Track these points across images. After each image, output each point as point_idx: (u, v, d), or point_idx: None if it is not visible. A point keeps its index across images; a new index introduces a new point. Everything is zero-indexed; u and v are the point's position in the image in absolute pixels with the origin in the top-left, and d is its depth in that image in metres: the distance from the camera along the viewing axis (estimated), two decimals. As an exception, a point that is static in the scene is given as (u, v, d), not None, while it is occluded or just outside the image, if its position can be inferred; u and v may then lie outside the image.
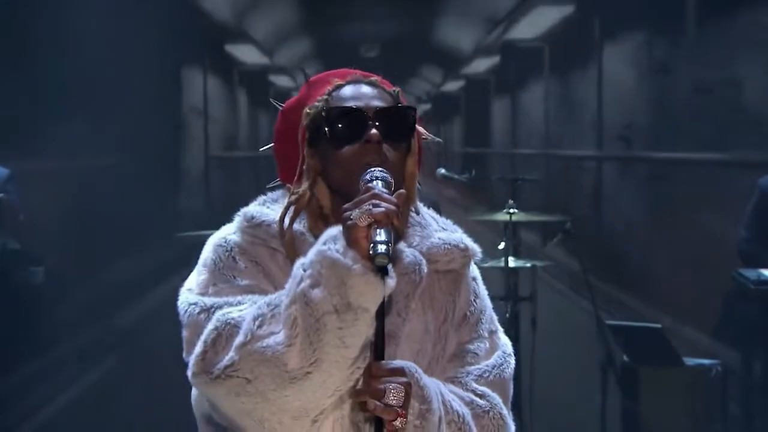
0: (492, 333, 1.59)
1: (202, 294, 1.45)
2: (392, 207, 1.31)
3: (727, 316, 4.85)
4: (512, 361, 1.59)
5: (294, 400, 1.34)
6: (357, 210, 1.31)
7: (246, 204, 1.57)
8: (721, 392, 4.14)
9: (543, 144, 13.57)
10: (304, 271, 1.34)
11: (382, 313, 1.34)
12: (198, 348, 1.38)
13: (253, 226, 1.49)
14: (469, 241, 1.59)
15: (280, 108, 1.60)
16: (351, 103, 1.49)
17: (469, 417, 1.46)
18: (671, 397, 4.11)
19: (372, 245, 1.27)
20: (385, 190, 1.35)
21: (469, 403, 1.47)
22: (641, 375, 4.15)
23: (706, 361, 4.36)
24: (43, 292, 3.67)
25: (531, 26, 12.30)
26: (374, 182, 1.36)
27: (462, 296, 1.56)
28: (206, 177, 12.00)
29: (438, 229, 1.58)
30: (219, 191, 13.00)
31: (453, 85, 20.33)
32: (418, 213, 1.59)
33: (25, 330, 4.77)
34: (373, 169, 1.40)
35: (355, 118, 1.47)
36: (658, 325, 4.47)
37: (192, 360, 1.38)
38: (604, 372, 4.19)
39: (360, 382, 1.37)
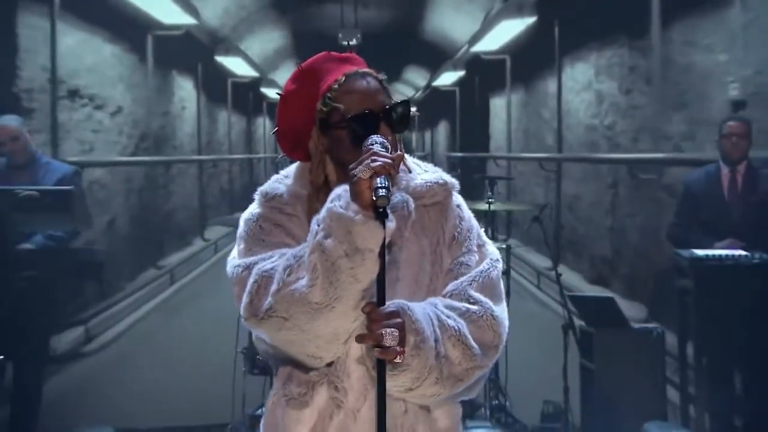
0: (480, 246, 1.77)
1: (243, 259, 1.69)
2: (388, 161, 1.52)
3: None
4: (499, 265, 1.77)
5: (325, 328, 1.56)
6: (360, 166, 1.51)
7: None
8: (660, 350, 4.42)
9: (590, 145, 8.83)
10: (318, 225, 1.55)
11: (383, 255, 1.53)
12: (245, 298, 1.61)
13: (269, 199, 1.74)
14: (447, 177, 1.79)
15: (279, 95, 1.79)
16: (363, 105, 1.68)
17: (464, 328, 1.63)
18: (620, 354, 4.41)
19: (374, 191, 1.47)
20: (383, 150, 1.56)
21: (464, 313, 1.65)
22: (596, 336, 4.44)
23: (648, 325, 4.71)
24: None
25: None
26: (374, 146, 1.57)
27: (449, 222, 1.76)
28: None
29: (421, 172, 1.79)
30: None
31: (448, 78, 16.38)
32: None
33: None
34: (372, 136, 1.61)
35: (369, 120, 1.67)
36: (611, 296, 4.80)
37: (242, 308, 1.62)
38: (566, 334, 4.45)
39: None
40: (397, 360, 1.51)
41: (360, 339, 1.53)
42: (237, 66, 14.05)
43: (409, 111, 1.71)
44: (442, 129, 22.72)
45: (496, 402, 4.61)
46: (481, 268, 1.72)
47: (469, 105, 16.98)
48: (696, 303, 4.45)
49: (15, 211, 3.98)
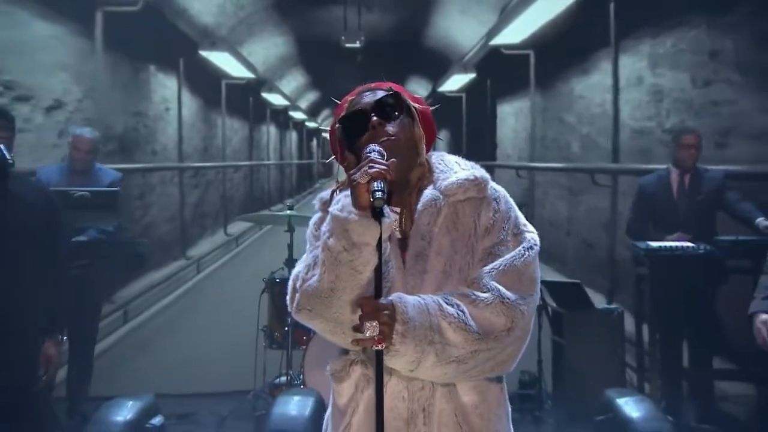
0: (516, 235, 1.78)
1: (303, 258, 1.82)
2: (384, 167, 1.60)
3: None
4: (530, 252, 1.75)
5: (340, 316, 1.69)
6: (359, 172, 1.61)
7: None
8: (620, 328, 4.78)
9: (639, 153, 7.05)
10: (326, 228, 1.69)
11: (380, 249, 1.64)
12: (288, 295, 1.80)
13: (324, 202, 1.84)
14: (479, 173, 1.81)
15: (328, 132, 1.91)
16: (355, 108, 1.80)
17: (466, 314, 1.67)
18: (586, 331, 4.73)
19: (372, 194, 1.57)
20: (379, 157, 1.65)
21: (473, 301, 1.69)
22: (565, 316, 4.76)
23: (610, 306, 5.10)
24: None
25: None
26: (371, 153, 1.66)
27: (483, 214, 1.77)
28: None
29: (458, 170, 1.82)
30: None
31: (455, 83, 15.00)
32: (428, 163, 1.86)
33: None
34: (370, 145, 1.70)
35: (360, 116, 1.78)
36: (578, 281, 5.07)
37: (287, 303, 1.80)
38: (539, 314, 4.71)
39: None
40: (377, 347, 1.61)
41: (355, 329, 1.65)
42: (229, 65, 12.17)
43: (397, 97, 1.81)
44: (444, 137, 22.00)
45: (480, 372, 5.07)
46: (506, 256, 1.74)
47: (476, 111, 15.83)
48: (650, 287, 4.91)
49: (69, 209, 4.40)
